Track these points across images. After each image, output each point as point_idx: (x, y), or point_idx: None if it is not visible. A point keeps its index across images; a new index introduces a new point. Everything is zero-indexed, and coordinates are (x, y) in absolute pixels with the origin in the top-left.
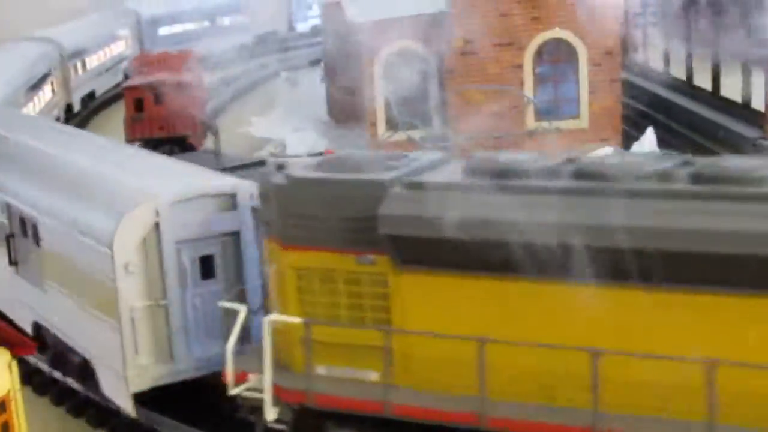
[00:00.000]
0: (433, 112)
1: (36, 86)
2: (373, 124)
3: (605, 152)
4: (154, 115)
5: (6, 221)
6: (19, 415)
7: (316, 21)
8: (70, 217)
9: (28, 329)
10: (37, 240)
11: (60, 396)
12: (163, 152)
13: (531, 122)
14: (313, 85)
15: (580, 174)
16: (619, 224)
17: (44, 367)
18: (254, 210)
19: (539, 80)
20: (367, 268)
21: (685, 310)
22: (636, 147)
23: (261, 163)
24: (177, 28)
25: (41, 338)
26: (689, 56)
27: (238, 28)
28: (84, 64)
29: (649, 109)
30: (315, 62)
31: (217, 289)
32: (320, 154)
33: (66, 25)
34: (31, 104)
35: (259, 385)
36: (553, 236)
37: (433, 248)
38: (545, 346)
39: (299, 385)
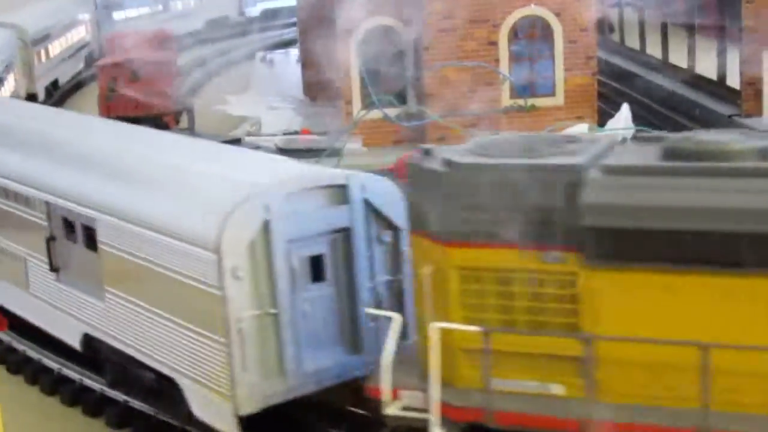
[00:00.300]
0: (408, 89)
1: None
2: (349, 102)
3: (580, 129)
4: (128, 94)
5: (45, 222)
6: None
7: (268, 5)
8: (150, 218)
9: (74, 342)
10: (92, 243)
11: (34, 375)
12: None
13: (506, 100)
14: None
15: None
16: None
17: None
18: (366, 203)
19: (515, 57)
20: (553, 266)
21: None
22: (611, 124)
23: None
24: (131, 13)
25: (92, 353)
26: (665, 34)
27: (189, 13)
28: (47, 52)
29: (624, 86)
30: (270, 48)
31: (328, 292)
32: (296, 132)
33: (28, 9)
34: None
35: (417, 403)
36: None
37: (649, 241)
38: None
39: (472, 401)
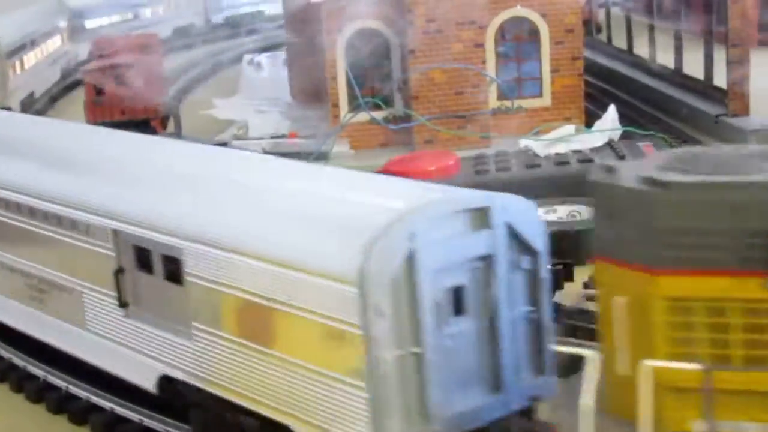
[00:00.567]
0: (395, 92)
1: None
2: (336, 105)
3: (567, 130)
4: (115, 99)
5: (113, 253)
6: None
7: (234, 12)
8: (263, 248)
9: (148, 384)
10: (175, 275)
11: (19, 382)
12: None
13: (494, 101)
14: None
15: None
16: None
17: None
18: (508, 227)
19: (501, 59)
20: None
21: None
22: (599, 125)
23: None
24: (103, 21)
25: (170, 396)
26: (652, 34)
27: (158, 21)
28: (22, 63)
29: (611, 87)
30: (235, 60)
31: (469, 327)
32: (283, 135)
33: (2, 18)
34: None
35: None
36: None
37: None
38: None
39: None
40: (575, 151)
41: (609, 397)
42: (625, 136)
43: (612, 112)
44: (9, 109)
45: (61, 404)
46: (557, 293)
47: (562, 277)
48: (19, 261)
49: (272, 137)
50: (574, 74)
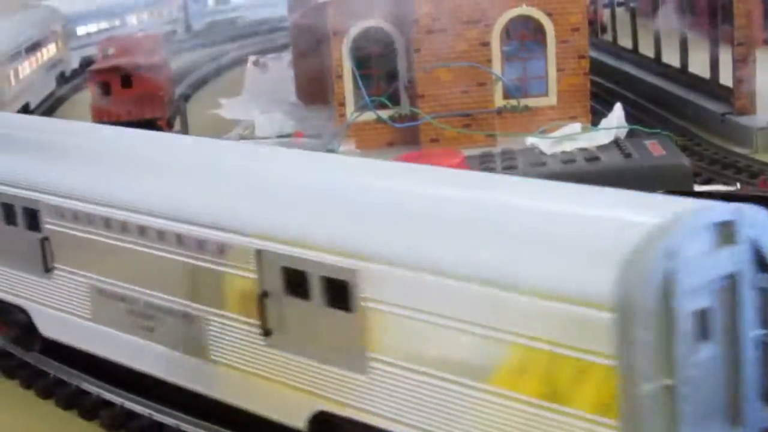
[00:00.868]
0: (401, 90)
1: None
2: (341, 104)
3: (573, 129)
4: (122, 99)
5: (256, 276)
6: None
7: (214, 18)
8: (483, 270)
9: (299, 422)
10: (338, 300)
11: (29, 380)
12: None
13: (499, 100)
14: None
15: None
16: None
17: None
18: (753, 242)
19: (507, 58)
20: None
21: None
22: (604, 123)
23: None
24: (92, 27)
25: None
26: (657, 33)
27: (143, 28)
28: (17, 73)
29: (617, 86)
30: (216, 73)
31: (715, 353)
32: (289, 135)
33: None
34: None
35: None
36: None
37: None
38: None
39: None
40: (581, 150)
41: None
42: (631, 134)
43: (618, 110)
44: None
45: (72, 400)
46: None
47: None
48: (125, 286)
49: (278, 137)
50: (579, 73)
